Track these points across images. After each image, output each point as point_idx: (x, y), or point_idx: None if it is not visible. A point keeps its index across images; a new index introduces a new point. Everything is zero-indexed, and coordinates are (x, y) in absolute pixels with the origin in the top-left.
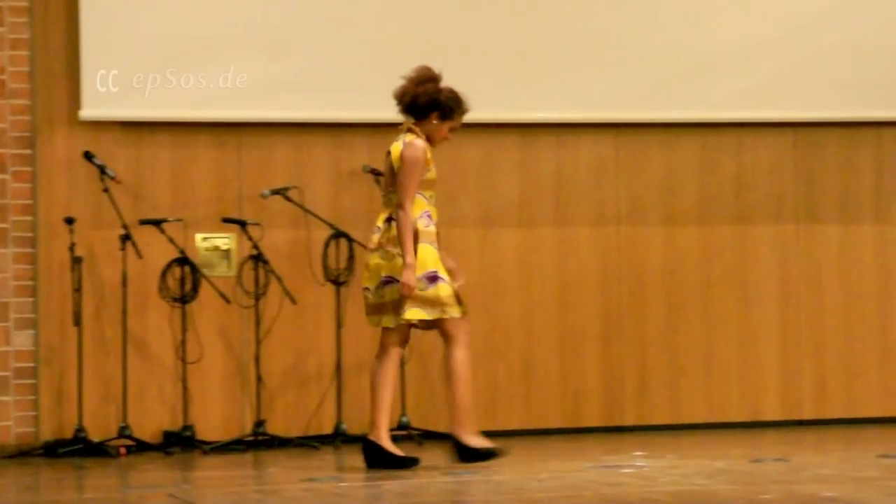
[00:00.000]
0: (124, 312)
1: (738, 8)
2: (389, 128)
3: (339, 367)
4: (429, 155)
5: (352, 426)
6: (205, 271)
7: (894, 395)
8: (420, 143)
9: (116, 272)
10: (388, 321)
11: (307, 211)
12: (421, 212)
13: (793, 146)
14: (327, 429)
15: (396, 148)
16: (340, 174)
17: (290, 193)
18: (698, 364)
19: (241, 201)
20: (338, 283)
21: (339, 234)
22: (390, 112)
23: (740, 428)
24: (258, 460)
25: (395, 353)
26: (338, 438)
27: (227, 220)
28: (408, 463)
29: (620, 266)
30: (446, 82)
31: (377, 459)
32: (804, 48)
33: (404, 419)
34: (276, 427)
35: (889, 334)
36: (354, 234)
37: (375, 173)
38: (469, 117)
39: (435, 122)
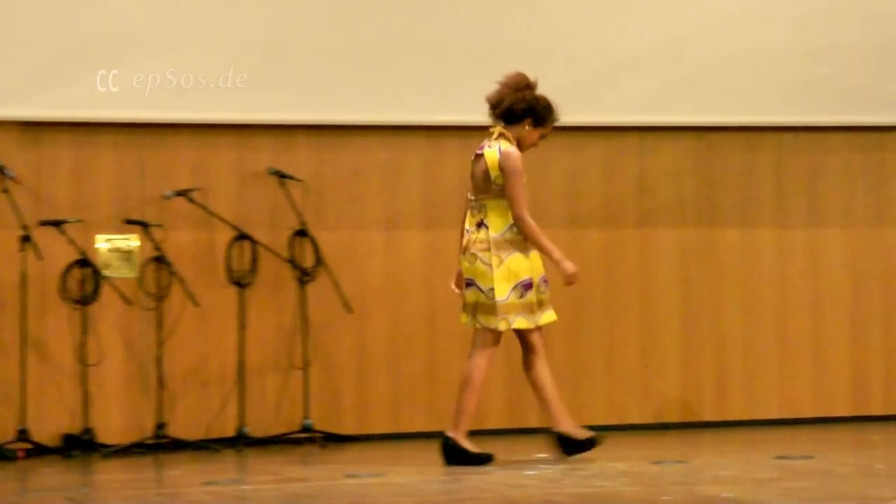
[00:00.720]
0: (23, 314)
1: (640, 13)
2: (294, 129)
3: (241, 370)
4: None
5: (254, 429)
6: (106, 273)
7: (792, 397)
8: (516, 151)
9: (15, 273)
10: (469, 322)
11: (210, 213)
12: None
13: (694, 151)
14: (230, 431)
15: (492, 155)
16: (244, 176)
17: (194, 195)
18: (600, 366)
19: (143, 203)
20: (241, 284)
21: (242, 236)
22: (294, 113)
23: (642, 429)
24: (159, 463)
25: (487, 353)
26: (240, 441)
27: (129, 222)
28: (483, 459)
29: None
30: (353, 81)
31: (455, 457)
32: (706, 54)
33: (307, 421)
34: (177, 430)
35: (788, 337)
36: (258, 235)
37: (280, 175)
38: (375, 118)
39: (528, 128)
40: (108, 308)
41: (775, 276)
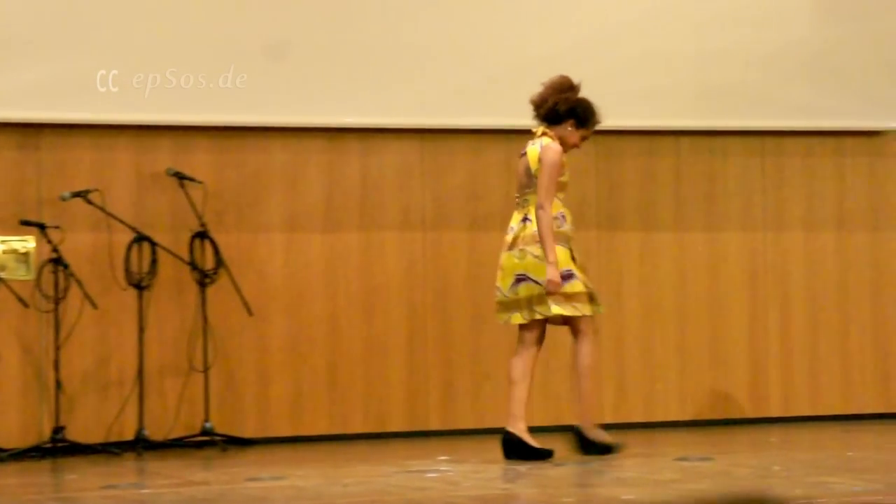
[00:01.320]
0: None
1: (541, 17)
2: (194, 130)
3: (141, 373)
4: (563, 159)
5: (154, 432)
6: (1, 275)
7: (692, 398)
8: (557, 146)
9: None
10: (517, 318)
11: (108, 214)
12: (556, 213)
13: (594, 154)
14: (129, 435)
15: (534, 151)
16: (143, 177)
17: (92, 196)
18: (502, 369)
19: (40, 204)
20: (140, 287)
21: (141, 238)
22: (193, 114)
23: (545, 432)
24: (57, 467)
25: (533, 349)
26: (139, 444)
27: (25, 223)
28: (544, 454)
29: (425, 271)
30: (253, 83)
31: (516, 451)
32: (605, 58)
33: (207, 425)
34: (75, 433)
35: (687, 338)
36: (157, 237)
37: (180, 177)
38: (273, 120)
39: (570, 129)
40: (3, 310)
41: (674, 278)
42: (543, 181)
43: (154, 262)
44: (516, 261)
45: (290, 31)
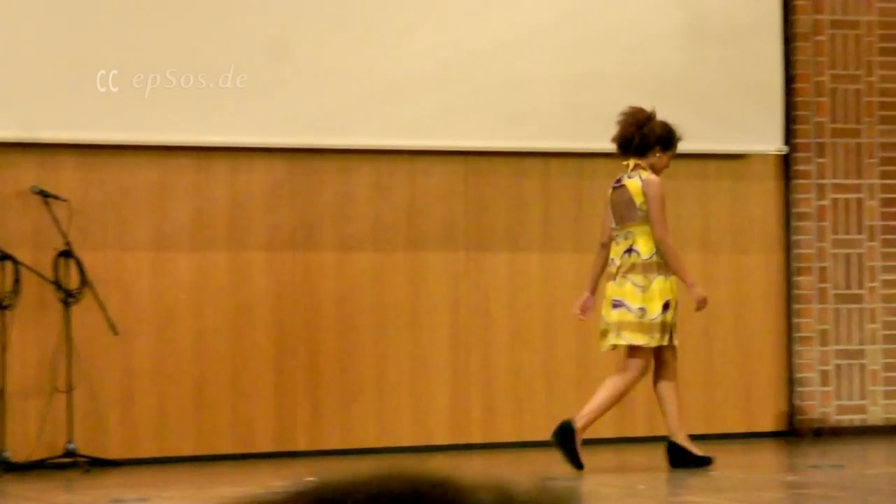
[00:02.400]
0: None
1: (411, 39)
2: (59, 148)
3: (2, 393)
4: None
5: (16, 454)
6: None
7: (560, 418)
8: (657, 178)
9: None
10: (607, 340)
11: None
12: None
13: (464, 174)
14: None
15: (634, 185)
16: (6, 195)
17: None
18: (371, 389)
19: None
20: (2, 306)
21: (4, 257)
22: (58, 131)
23: (411, 451)
24: None
25: (654, 364)
26: (1, 467)
27: None
28: (706, 462)
29: (294, 291)
30: (121, 101)
31: (680, 460)
32: (475, 79)
33: (71, 446)
34: None
35: (554, 360)
36: (21, 256)
37: (44, 194)
38: (141, 138)
39: (658, 154)
40: None
41: (542, 299)
42: (657, 215)
43: (17, 281)
44: (616, 287)
45: (155, 48)
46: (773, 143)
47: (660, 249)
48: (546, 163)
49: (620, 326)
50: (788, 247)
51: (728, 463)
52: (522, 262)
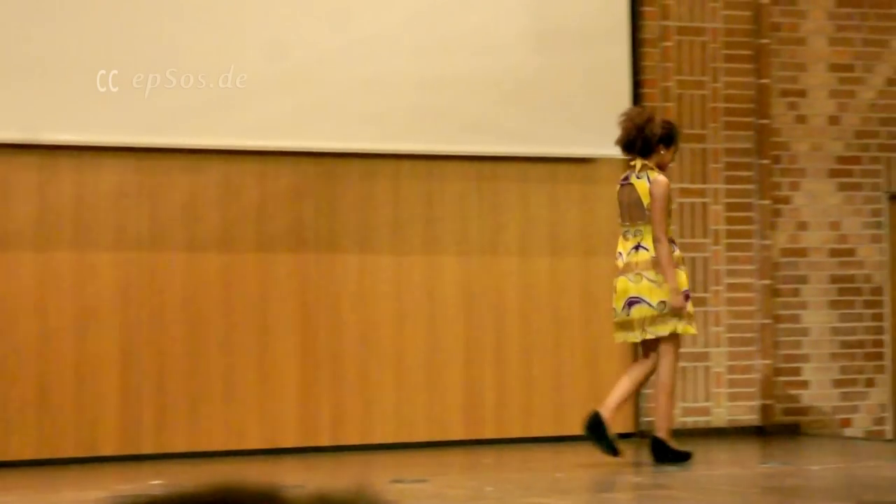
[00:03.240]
0: None
1: (260, 39)
2: None
3: None
4: (670, 188)
5: None
6: None
7: (409, 420)
8: (664, 178)
9: None
10: (632, 337)
11: None
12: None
13: (314, 176)
14: None
15: (642, 185)
16: None
17: None
18: (218, 391)
19: None
20: None
21: None
22: None
23: (259, 455)
24: None
25: (655, 358)
26: None
27: None
28: (685, 456)
29: (141, 292)
30: None
31: (662, 455)
32: (326, 80)
33: None
34: None
35: (404, 362)
36: None
37: None
38: None
39: (662, 152)
40: None
41: (393, 301)
42: (656, 217)
43: None
44: (631, 284)
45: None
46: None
47: (655, 247)
48: (397, 165)
49: (644, 322)
50: None
51: (574, 464)
52: (372, 264)
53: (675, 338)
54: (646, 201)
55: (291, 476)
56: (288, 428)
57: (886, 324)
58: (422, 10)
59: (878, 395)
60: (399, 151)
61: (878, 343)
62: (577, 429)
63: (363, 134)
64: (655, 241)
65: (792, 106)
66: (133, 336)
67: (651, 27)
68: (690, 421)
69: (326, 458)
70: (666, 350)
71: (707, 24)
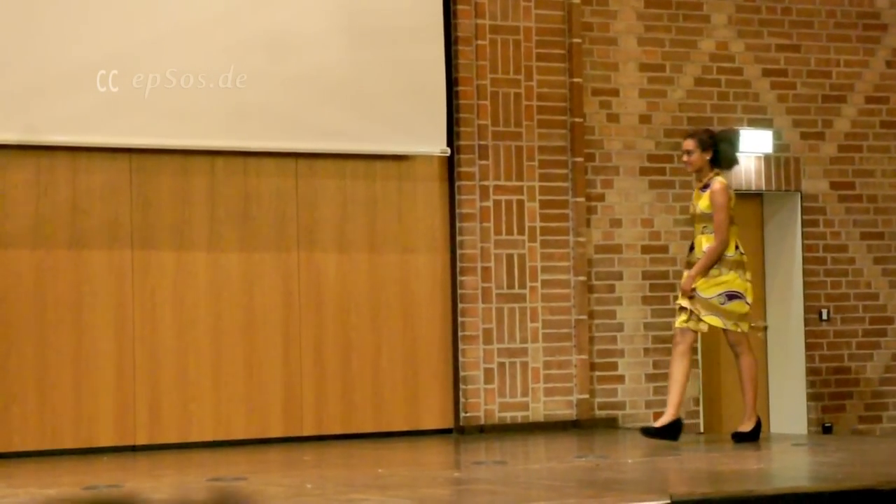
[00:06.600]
0: None
1: (69, 32)
2: None
3: None
4: (731, 192)
5: None
6: None
7: (227, 419)
8: (721, 187)
9: None
10: (717, 322)
11: None
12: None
13: (129, 172)
14: None
15: (707, 193)
16: None
17: None
18: (31, 390)
19: None
20: None
21: None
22: None
23: (74, 454)
24: None
25: (687, 347)
26: None
27: None
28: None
29: None
30: None
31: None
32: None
33: None
34: None
35: (222, 359)
36: None
37: None
38: None
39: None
40: None
41: (209, 298)
42: (717, 220)
43: None
44: (735, 280)
45: None
46: (437, 145)
47: (713, 245)
48: (212, 161)
49: (737, 316)
50: (453, 247)
51: (394, 461)
52: (188, 261)
53: (743, 336)
54: (710, 207)
55: (107, 476)
56: (104, 427)
57: None
58: (234, 7)
59: (690, 388)
60: (214, 147)
61: None
62: (394, 425)
63: (178, 130)
64: (719, 242)
65: (604, 105)
66: None
67: (465, 25)
68: (509, 416)
69: (143, 456)
70: (744, 349)
71: (520, 22)
